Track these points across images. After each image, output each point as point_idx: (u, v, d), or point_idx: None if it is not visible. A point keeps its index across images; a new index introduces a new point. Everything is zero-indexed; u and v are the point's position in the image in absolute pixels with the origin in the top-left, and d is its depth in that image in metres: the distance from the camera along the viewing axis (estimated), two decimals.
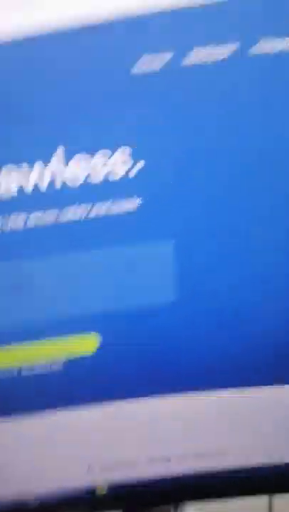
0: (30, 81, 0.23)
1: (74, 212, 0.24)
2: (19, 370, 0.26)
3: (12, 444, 0.28)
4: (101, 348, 0.26)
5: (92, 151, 0.23)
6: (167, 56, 0.22)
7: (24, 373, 0.26)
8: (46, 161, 0.24)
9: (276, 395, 0.27)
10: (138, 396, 0.26)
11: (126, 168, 0.24)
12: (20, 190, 0.24)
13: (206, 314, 0.26)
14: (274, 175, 0.25)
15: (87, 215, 0.24)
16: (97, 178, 0.24)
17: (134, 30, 0.23)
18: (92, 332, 0.26)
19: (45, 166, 0.24)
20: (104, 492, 0.28)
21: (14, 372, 0.26)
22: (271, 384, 0.26)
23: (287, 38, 0.23)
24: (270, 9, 0.23)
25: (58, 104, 0.23)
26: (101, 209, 0.24)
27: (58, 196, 0.24)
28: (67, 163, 0.24)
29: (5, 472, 0.28)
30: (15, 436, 0.28)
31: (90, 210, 0.24)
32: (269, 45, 0.23)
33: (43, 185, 0.24)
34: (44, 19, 0.23)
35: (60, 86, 0.23)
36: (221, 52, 0.23)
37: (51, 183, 0.24)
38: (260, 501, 0.37)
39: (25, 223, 0.24)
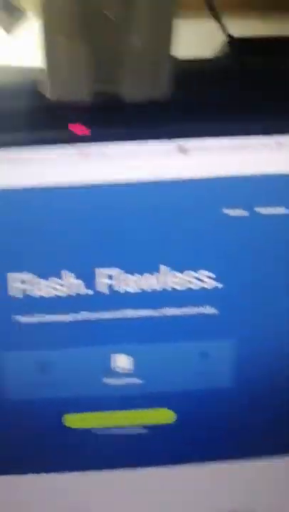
0: (135, 222, 0.29)
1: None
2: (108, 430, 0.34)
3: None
4: (177, 420, 0.33)
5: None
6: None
7: (114, 431, 0.34)
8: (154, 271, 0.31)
9: None
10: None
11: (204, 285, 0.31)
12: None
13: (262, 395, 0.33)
14: None
15: (173, 313, 0.32)
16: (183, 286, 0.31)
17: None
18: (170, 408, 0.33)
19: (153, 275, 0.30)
20: None
21: (104, 431, 0.33)
22: None
23: None
24: None
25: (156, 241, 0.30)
26: (183, 311, 0.32)
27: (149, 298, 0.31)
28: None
29: None
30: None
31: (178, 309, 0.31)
32: None
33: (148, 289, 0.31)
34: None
35: (162, 225, 0.29)
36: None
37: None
38: None
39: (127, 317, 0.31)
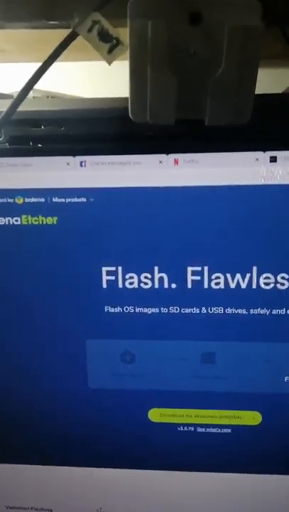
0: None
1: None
2: (195, 427, 0.35)
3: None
4: (263, 423, 0.33)
5: None
6: None
7: (199, 430, 0.35)
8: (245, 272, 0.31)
9: None
10: None
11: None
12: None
13: None
14: None
15: (262, 313, 0.32)
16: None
17: None
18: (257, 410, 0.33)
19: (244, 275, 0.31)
20: None
21: (191, 427, 0.35)
22: None
23: None
24: None
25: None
26: (273, 311, 0.32)
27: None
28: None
29: None
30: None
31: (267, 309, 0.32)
32: None
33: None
34: None
35: (252, 227, 0.30)
36: None
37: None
38: None
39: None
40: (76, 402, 0.34)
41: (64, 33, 0.34)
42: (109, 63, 0.32)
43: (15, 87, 0.46)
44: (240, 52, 0.29)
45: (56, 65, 0.35)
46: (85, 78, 0.60)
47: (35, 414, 0.35)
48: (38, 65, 0.35)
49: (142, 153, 0.29)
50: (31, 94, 0.48)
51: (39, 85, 0.38)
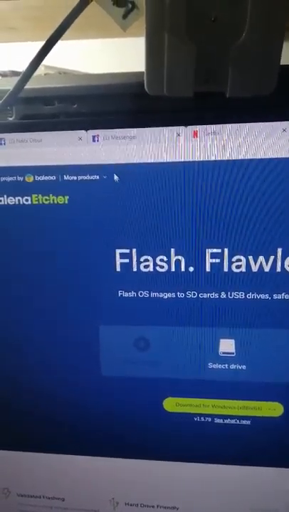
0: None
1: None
2: (213, 418, 0.33)
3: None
4: (284, 415, 0.31)
5: None
6: None
7: (216, 421, 0.33)
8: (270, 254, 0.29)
9: None
10: None
11: None
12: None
13: None
14: None
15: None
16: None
17: None
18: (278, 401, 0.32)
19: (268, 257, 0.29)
20: None
21: (208, 418, 0.33)
22: None
23: None
24: None
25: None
26: None
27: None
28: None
29: None
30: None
31: None
32: None
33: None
34: None
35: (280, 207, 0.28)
36: None
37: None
38: None
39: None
40: (89, 389, 0.33)
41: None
42: (124, 29, 0.30)
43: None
44: (265, 16, 0.27)
45: (69, 43, 0.34)
46: (96, 56, 0.58)
47: (47, 402, 0.34)
48: None
49: (159, 126, 0.27)
50: (43, 70, 0.46)
51: (51, 62, 0.36)
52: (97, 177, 0.29)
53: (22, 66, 0.47)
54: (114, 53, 0.58)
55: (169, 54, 0.28)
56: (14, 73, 0.43)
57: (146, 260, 0.30)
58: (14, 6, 0.54)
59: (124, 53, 0.55)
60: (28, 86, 0.32)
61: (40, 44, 0.44)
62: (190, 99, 0.29)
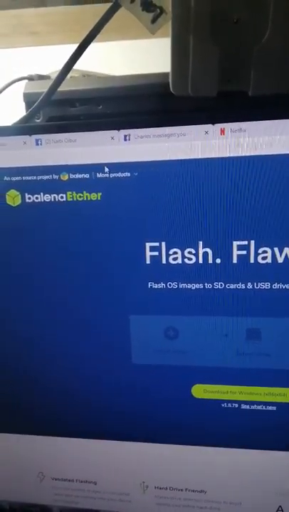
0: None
1: None
2: (239, 404, 0.34)
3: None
4: None
5: None
6: None
7: (243, 407, 0.34)
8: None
9: None
10: None
11: None
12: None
13: None
14: None
15: None
16: None
17: None
18: None
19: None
20: None
21: (235, 404, 0.34)
22: None
23: None
24: None
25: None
26: None
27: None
28: None
29: None
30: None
31: None
32: None
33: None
34: None
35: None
36: None
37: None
38: None
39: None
40: (120, 377, 0.34)
41: (98, 12, 0.33)
42: (153, 33, 0.31)
43: (50, 69, 0.47)
44: (287, 17, 0.28)
45: (92, 45, 0.35)
46: (120, 58, 0.59)
47: (81, 390, 0.35)
48: (72, 46, 0.34)
49: (187, 124, 0.29)
50: (68, 74, 0.47)
51: (76, 65, 0.38)
52: (128, 174, 0.30)
53: (45, 70, 0.48)
54: (132, 54, 0.59)
55: (193, 56, 0.30)
56: (41, 77, 0.45)
57: (175, 253, 0.31)
58: (36, 12, 0.56)
59: (144, 54, 0.57)
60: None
61: (62, 48, 0.45)
62: (213, 99, 0.30)
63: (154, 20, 0.31)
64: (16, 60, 0.60)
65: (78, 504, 0.38)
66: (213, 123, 0.29)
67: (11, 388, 0.37)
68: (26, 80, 0.45)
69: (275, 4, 0.28)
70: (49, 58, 0.53)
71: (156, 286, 0.32)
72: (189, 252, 0.31)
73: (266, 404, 0.33)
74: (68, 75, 0.40)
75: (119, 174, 0.30)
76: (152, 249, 0.32)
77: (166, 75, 0.31)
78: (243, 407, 0.33)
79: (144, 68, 0.38)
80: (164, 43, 0.31)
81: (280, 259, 0.30)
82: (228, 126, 0.29)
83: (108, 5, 0.32)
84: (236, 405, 0.33)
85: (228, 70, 0.30)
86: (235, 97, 0.30)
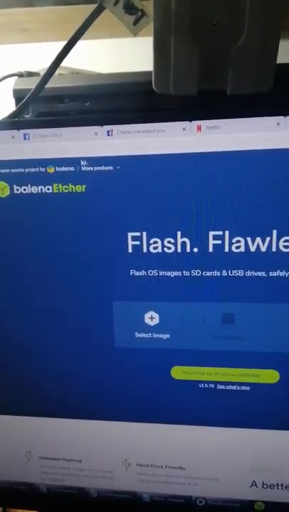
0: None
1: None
2: (215, 385, 0.36)
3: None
4: (281, 381, 0.35)
5: None
6: None
7: (219, 387, 0.36)
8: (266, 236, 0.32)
9: None
10: None
11: None
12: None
13: None
14: None
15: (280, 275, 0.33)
16: None
17: None
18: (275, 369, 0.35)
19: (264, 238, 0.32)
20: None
21: (211, 385, 0.37)
22: None
23: None
24: None
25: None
26: None
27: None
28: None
29: None
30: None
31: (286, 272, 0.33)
32: None
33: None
34: None
35: (275, 192, 0.31)
36: None
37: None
38: None
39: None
40: (103, 360, 0.36)
41: (86, 11, 0.35)
42: (135, 34, 0.33)
43: (39, 66, 0.48)
44: (263, 21, 0.30)
45: (80, 43, 0.37)
46: (106, 55, 0.61)
47: (64, 372, 0.37)
48: (62, 43, 0.36)
49: (166, 121, 0.31)
50: (57, 71, 0.49)
51: (65, 63, 0.39)
52: (111, 168, 0.32)
53: (34, 66, 0.50)
54: (119, 53, 0.61)
55: (174, 56, 0.32)
56: (30, 74, 0.47)
57: (155, 242, 0.33)
58: (27, 10, 0.58)
59: (128, 53, 0.58)
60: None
61: (51, 45, 0.46)
62: (194, 97, 0.32)
63: (135, 22, 0.32)
64: (5, 56, 0.61)
65: (65, 482, 0.40)
66: (190, 120, 0.31)
67: None
68: (16, 77, 0.47)
69: (251, 8, 0.30)
70: (39, 55, 0.55)
71: (137, 274, 0.34)
72: (169, 242, 0.33)
73: (240, 384, 0.35)
74: (57, 73, 0.42)
75: (103, 167, 0.32)
76: (134, 238, 0.33)
77: (150, 73, 0.33)
78: (219, 387, 0.35)
79: (131, 66, 0.40)
80: (150, 42, 0.33)
81: (253, 249, 0.32)
82: (204, 123, 0.31)
83: (93, 6, 0.34)
84: (213, 386, 0.35)
85: (207, 70, 0.32)
86: (214, 95, 0.32)
